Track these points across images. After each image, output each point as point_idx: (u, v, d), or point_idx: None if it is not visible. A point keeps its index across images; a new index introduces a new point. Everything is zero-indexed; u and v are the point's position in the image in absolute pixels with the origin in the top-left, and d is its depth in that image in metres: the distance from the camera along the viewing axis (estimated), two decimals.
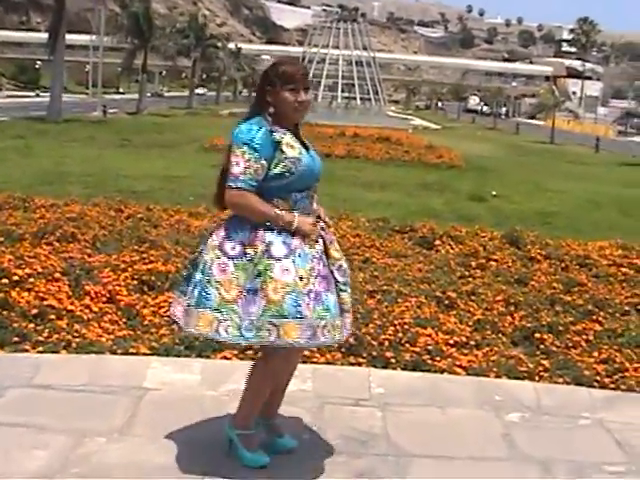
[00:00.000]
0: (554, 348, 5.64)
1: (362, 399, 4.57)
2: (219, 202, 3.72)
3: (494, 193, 17.26)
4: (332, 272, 3.64)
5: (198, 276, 3.54)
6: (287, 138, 3.57)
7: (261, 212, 3.49)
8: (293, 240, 3.51)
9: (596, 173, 27.91)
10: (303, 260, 3.50)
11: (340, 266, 3.70)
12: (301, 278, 3.46)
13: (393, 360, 5.16)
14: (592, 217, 14.91)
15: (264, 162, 3.48)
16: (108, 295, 5.97)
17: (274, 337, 3.42)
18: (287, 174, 3.53)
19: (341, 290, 3.66)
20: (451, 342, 5.55)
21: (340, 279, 3.67)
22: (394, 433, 4.15)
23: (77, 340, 5.11)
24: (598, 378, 5.08)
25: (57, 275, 6.13)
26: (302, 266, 3.48)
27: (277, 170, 3.52)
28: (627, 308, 6.62)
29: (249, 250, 3.48)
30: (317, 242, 3.62)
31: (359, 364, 5.10)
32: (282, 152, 3.53)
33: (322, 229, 3.68)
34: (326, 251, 3.65)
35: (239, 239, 3.50)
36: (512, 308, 6.42)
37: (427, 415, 4.43)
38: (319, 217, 3.71)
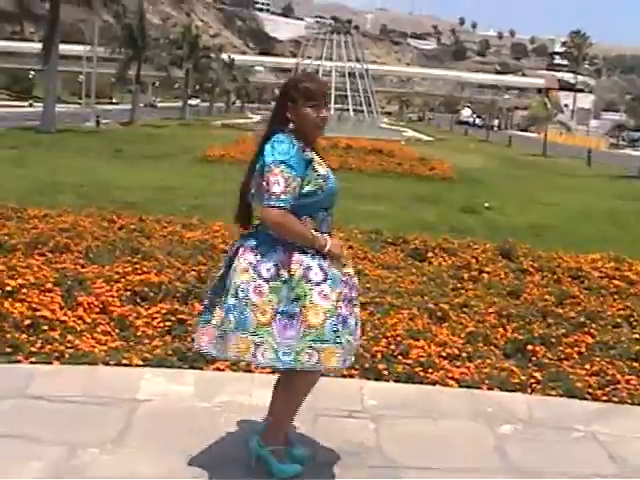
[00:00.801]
0: (546, 360, 5.65)
1: (355, 411, 4.57)
2: (242, 220, 3.76)
3: (487, 205, 17.29)
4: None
5: (232, 300, 3.50)
6: (314, 156, 3.59)
7: (300, 233, 3.48)
8: (326, 263, 3.52)
9: (588, 186, 28.00)
10: (334, 284, 3.51)
11: (354, 282, 3.71)
12: (334, 302, 3.48)
13: (386, 372, 5.16)
14: (584, 230, 14.95)
15: (299, 180, 3.47)
16: (101, 306, 5.96)
17: (314, 361, 3.43)
18: (319, 192, 3.54)
19: (354, 305, 3.68)
20: (443, 354, 5.55)
21: (354, 294, 3.68)
22: (387, 445, 4.15)
23: (70, 351, 5.10)
24: (590, 390, 5.10)
25: (50, 286, 6.12)
26: (334, 290, 3.49)
27: (309, 188, 3.51)
28: (619, 320, 6.63)
29: (283, 272, 3.47)
30: (345, 265, 3.65)
31: (352, 376, 5.10)
32: (314, 170, 3.54)
33: None
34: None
35: (273, 261, 3.49)
36: (504, 320, 6.43)
37: (420, 427, 4.44)
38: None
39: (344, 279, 3.58)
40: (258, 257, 3.50)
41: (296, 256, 3.49)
